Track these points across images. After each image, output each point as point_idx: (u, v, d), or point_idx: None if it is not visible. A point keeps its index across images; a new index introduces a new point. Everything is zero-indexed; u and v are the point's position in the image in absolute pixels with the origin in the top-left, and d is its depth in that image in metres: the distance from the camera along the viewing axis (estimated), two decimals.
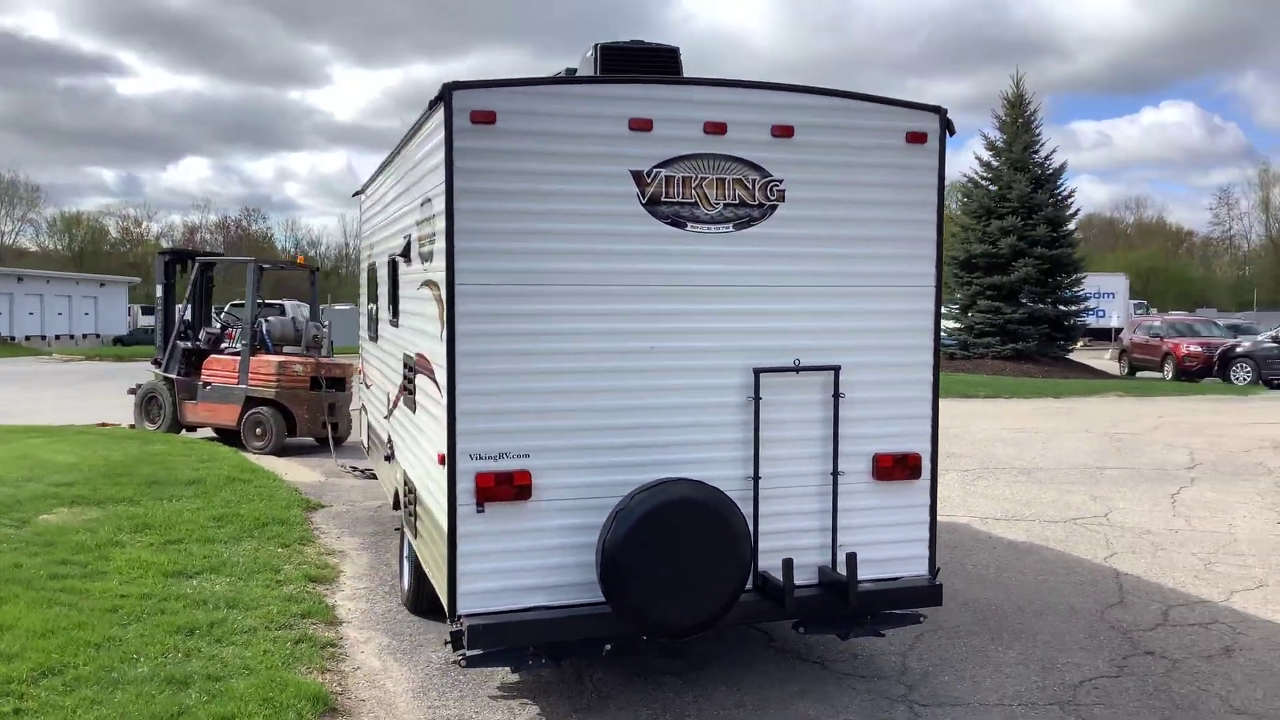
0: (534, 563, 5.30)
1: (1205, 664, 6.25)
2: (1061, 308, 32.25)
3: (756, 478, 5.56)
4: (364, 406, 10.39)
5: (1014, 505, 10.98)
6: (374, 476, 12.41)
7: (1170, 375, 29.63)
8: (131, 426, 16.19)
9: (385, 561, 8.67)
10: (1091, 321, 39.97)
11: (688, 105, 5.40)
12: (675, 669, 6.10)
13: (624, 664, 6.07)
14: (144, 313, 63.45)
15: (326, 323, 16.33)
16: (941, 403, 5.98)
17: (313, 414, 14.58)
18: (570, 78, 5.54)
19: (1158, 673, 6.10)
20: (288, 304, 34.67)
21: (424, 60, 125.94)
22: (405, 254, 6.54)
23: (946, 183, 5.91)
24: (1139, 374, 31.34)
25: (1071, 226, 33.81)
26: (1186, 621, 7.06)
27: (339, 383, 14.97)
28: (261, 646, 6.33)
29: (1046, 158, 32.88)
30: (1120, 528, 9.94)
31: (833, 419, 5.68)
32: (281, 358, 14.75)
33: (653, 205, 5.37)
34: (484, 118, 5.10)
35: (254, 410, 14.57)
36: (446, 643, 5.68)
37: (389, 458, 7.93)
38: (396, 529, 8.46)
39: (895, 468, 5.81)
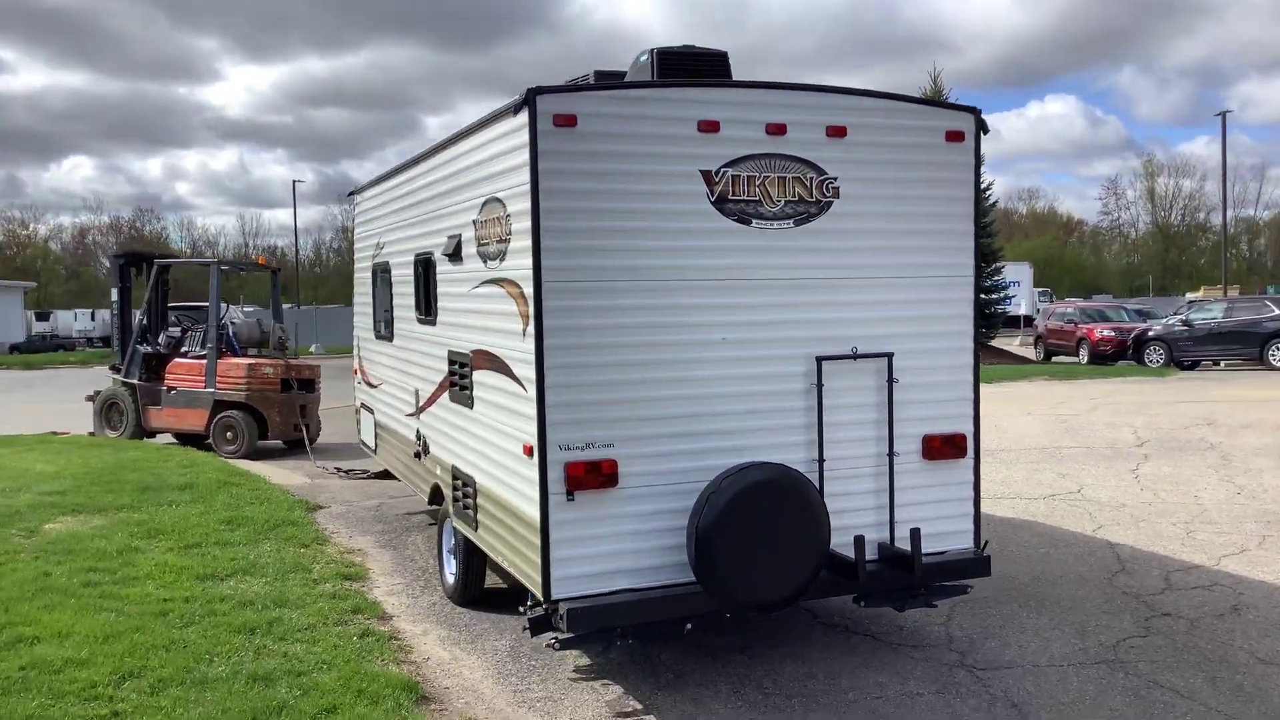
0: (620, 547, 5.54)
1: (1220, 622, 6.74)
2: (983, 296, 33.27)
3: (821, 460, 5.87)
4: (363, 406, 10.45)
5: (990, 484, 11.48)
6: (363, 476, 12.49)
7: (1085, 359, 30.82)
8: (91, 434, 15.90)
9: (408, 558, 8.79)
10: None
11: (751, 107, 5.68)
12: (735, 646, 6.39)
13: (688, 646, 6.32)
14: (38, 319, 61.55)
15: (290, 323, 16.20)
16: None
17: (284, 416, 14.53)
18: (646, 82, 5.77)
19: (1181, 631, 6.57)
20: (234, 308, 34.07)
21: (316, 55, 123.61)
22: (454, 254, 6.69)
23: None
24: (1054, 358, 32.52)
25: (989, 218, 34.93)
26: (1188, 585, 7.58)
27: (308, 384, 14.94)
28: (329, 642, 6.45)
29: None
30: (1096, 502, 10.51)
31: (887, 403, 6.02)
32: (251, 360, 14.68)
33: (720, 203, 5.64)
34: (566, 121, 5.32)
35: (224, 414, 14.46)
36: (525, 629, 5.88)
37: (419, 454, 8.06)
38: (431, 523, 8.59)
39: (943, 447, 6.18)
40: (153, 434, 15.53)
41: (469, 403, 6.63)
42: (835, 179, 5.85)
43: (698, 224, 5.62)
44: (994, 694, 5.63)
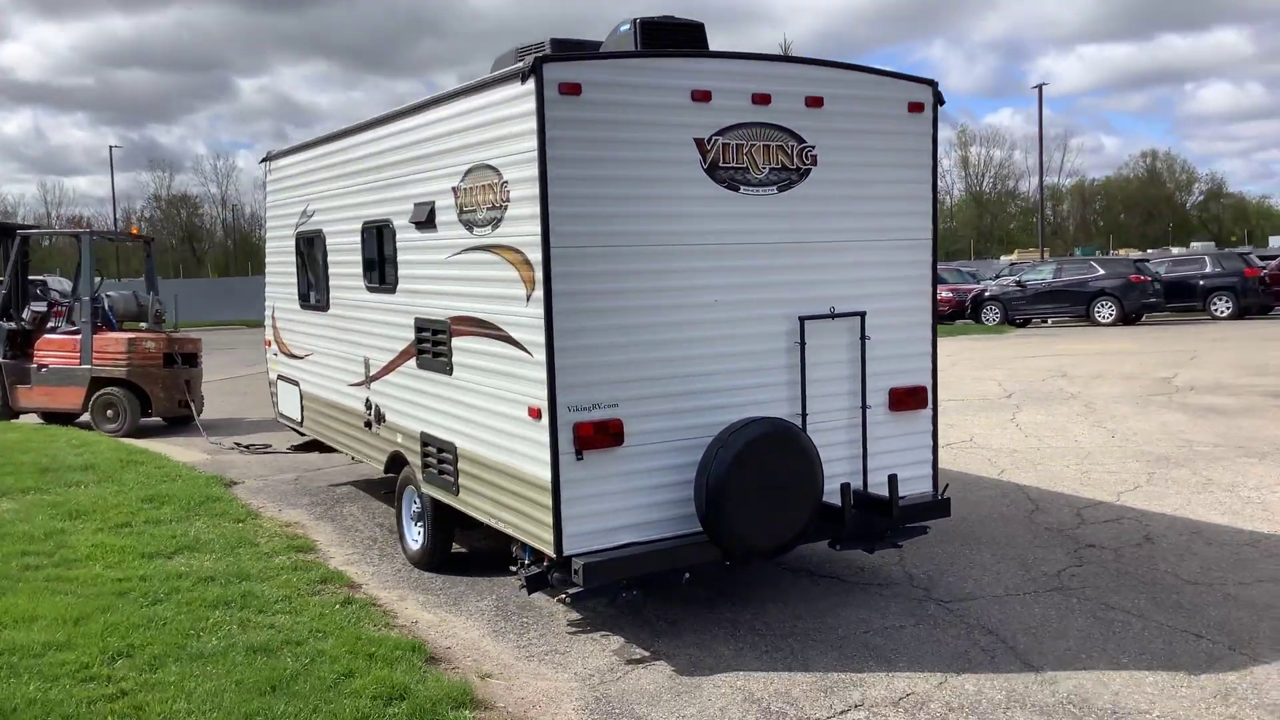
0: (625, 503, 5.74)
1: (1139, 550, 7.42)
2: None
3: (804, 414, 6.20)
4: (281, 379, 10.25)
5: None
6: (266, 451, 12.24)
7: None
8: None
9: (350, 528, 8.75)
10: None
11: (739, 78, 5.91)
12: (716, 595, 6.68)
13: (671, 597, 6.57)
14: None
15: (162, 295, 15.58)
16: None
17: (168, 392, 14.03)
18: (646, 51, 5.92)
19: (1109, 560, 7.21)
20: (50, 279, 32.13)
21: (118, 12, 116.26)
22: (426, 221, 6.70)
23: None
24: None
25: None
26: (1099, 519, 8.27)
27: (191, 358, 14.44)
28: (312, 612, 6.44)
29: None
30: (990, 449, 11.25)
31: (860, 359, 6.39)
32: (131, 334, 14.08)
33: (712, 170, 5.86)
34: (571, 89, 5.43)
35: (103, 391, 13.85)
36: (521, 586, 6.06)
37: (369, 424, 8.03)
38: (362, 493, 8.57)
39: (906, 399, 6.60)
40: (18, 414, 14.74)
41: (446, 369, 6.67)
42: (813, 147, 6.15)
43: (691, 190, 5.83)
44: (969, 623, 6.10)
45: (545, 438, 5.58)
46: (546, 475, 5.59)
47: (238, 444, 12.71)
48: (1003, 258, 60.73)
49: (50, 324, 14.77)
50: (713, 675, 5.50)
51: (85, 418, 14.42)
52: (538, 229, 5.47)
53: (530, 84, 5.40)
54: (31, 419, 14.97)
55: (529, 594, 6.22)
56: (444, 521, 7.23)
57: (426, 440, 7.06)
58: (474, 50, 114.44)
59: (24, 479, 10.09)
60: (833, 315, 6.28)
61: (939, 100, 6.60)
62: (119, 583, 7.03)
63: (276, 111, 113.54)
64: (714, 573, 6.74)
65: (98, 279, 14.33)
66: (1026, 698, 5.11)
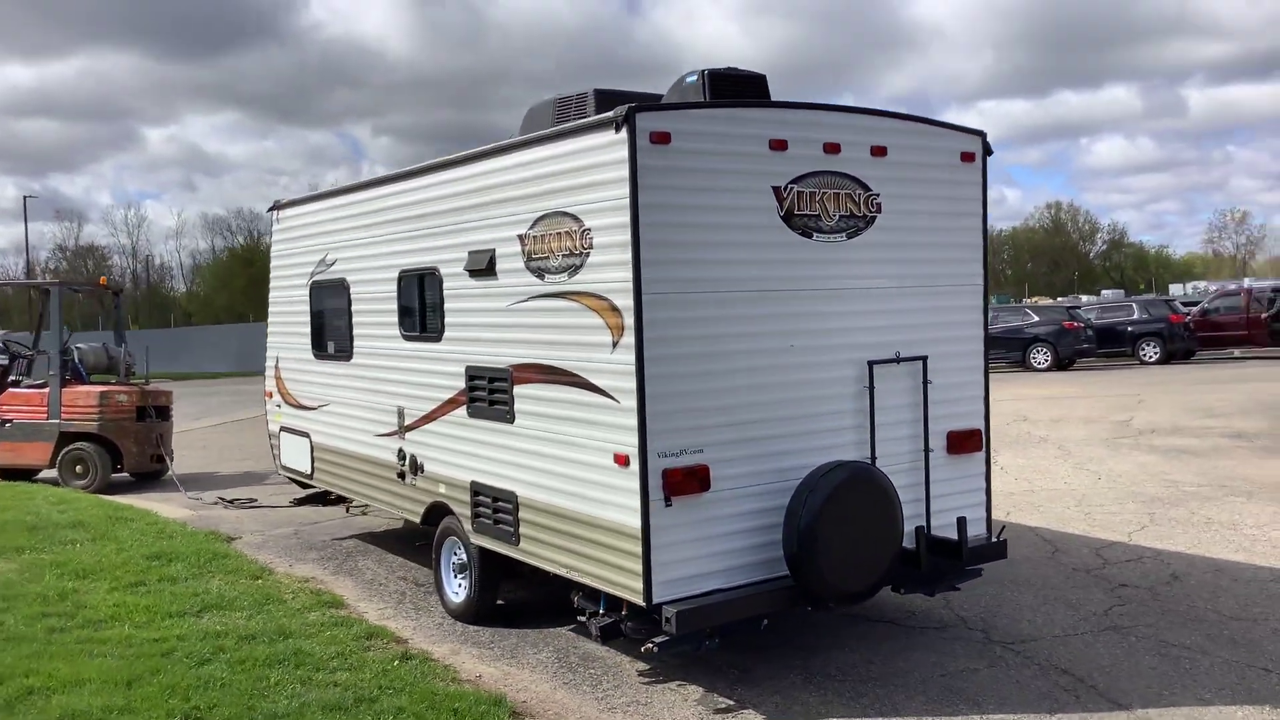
0: (709, 549, 5.72)
1: (1171, 588, 7.59)
2: None
3: (874, 458, 6.26)
4: (285, 430, 10.02)
5: None
6: (251, 505, 11.94)
7: None
8: None
9: (371, 582, 8.55)
10: None
11: (812, 127, 6.02)
12: (774, 643, 6.66)
13: (736, 646, 6.52)
14: None
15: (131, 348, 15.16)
16: None
17: (141, 447, 13.61)
18: (729, 101, 5.98)
19: (1146, 598, 7.36)
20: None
21: (19, 61, 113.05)
22: (486, 269, 6.65)
23: None
24: None
25: None
26: (1120, 559, 8.45)
27: (164, 411, 14.05)
28: (374, 668, 6.28)
29: None
30: None
31: (923, 402, 6.49)
32: (103, 388, 13.65)
33: (788, 218, 5.94)
34: (661, 138, 5.48)
35: (73, 447, 13.39)
36: (596, 637, 5.99)
37: (403, 475, 7.89)
38: (419, 544, 8.40)
39: (964, 442, 6.70)
40: None
41: (505, 417, 6.61)
42: (878, 195, 6.27)
43: (769, 237, 5.89)
44: (1040, 664, 6.17)
45: (634, 484, 5.55)
46: (636, 523, 5.55)
47: (221, 499, 12.37)
48: None
49: (11, 378, 14.26)
50: None
51: (49, 474, 13.91)
52: (627, 275, 5.48)
53: (623, 133, 5.43)
54: None
55: (602, 643, 6.14)
56: (492, 573, 7.12)
57: (478, 490, 6.96)
58: (388, 102, 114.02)
59: (14, 537, 9.70)
60: (898, 360, 6.37)
61: (987, 151, 6.78)
62: (156, 643, 6.79)
63: (186, 161, 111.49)
64: (772, 623, 6.73)
65: (66, 331, 13.88)
66: None
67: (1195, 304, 35.12)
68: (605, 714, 5.73)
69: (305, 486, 10.27)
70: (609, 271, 5.63)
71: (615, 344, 5.63)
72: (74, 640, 6.85)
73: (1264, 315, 30.69)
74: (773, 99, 6.35)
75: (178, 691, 5.90)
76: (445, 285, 7.21)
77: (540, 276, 6.21)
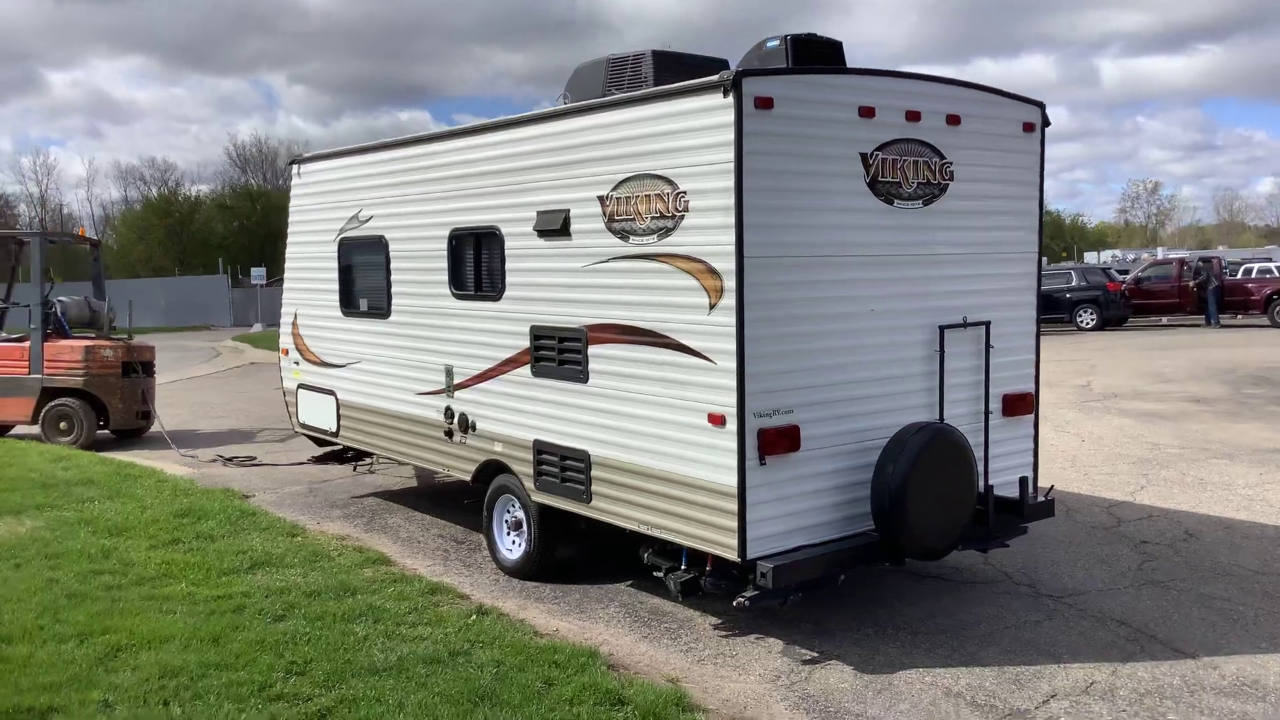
0: (797, 506, 5.90)
1: (1189, 545, 7.98)
2: None
3: (942, 419, 6.47)
4: (304, 387, 9.94)
5: None
6: (251, 463, 11.85)
7: None
8: None
9: (408, 539, 8.60)
10: None
11: (896, 95, 6.16)
12: (834, 598, 6.88)
13: (804, 601, 6.73)
14: None
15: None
16: None
17: (127, 404, 13.37)
18: (826, 68, 6.09)
19: (1170, 554, 7.73)
20: None
21: None
22: (560, 229, 6.69)
23: None
24: None
25: None
26: (1132, 518, 8.84)
27: (148, 367, 13.79)
28: (454, 624, 6.36)
29: None
30: None
31: (984, 366, 6.72)
32: (89, 342, 13.35)
33: (873, 184, 6.09)
34: (764, 103, 5.58)
35: (57, 403, 13.09)
36: (675, 592, 6.17)
37: (450, 433, 7.93)
38: (466, 502, 8.45)
39: (1018, 404, 6.96)
40: None
41: (578, 377, 6.69)
42: (952, 163, 6.44)
43: (856, 203, 6.04)
44: (1095, 616, 6.48)
45: (729, 444, 5.69)
46: (731, 481, 5.69)
47: (220, 456, 12.24)
48: None
49: None
50: (896, 673, 5.70)
51: (23, 429, 13.60)
52: (728, 239, 5.58)
53: (730, 97, 5.51)
54: None
55: (681, 599, 6.29)
56: (553, 530, 7.22)
57: (542, 448, 7.04)
58: (303, 50, 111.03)
59: (30, 495, 9.54)
60: (965, 324, 6.58)
61: (1045, 122, 6.99)
62: (221, 600, 6.78)
63: (92, 107, 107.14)
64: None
65: (48, 284, 13.51)
66: (1202, 682, 5.50)
67: (1125, 272, 36.22)
68: (696, 665, 5.90)
69: (323, 444, 10.23)
70: (707, 234, 5.73)
71: (713, 306, 5.73)
72: (137, 598, 6.81)
73: (1193, 285, 31.81)
74: (849, 66, 6.47)
75: (267, 646, 5.93)
76: (507, 245, 7.23)
77: (624, 238, 6.28)
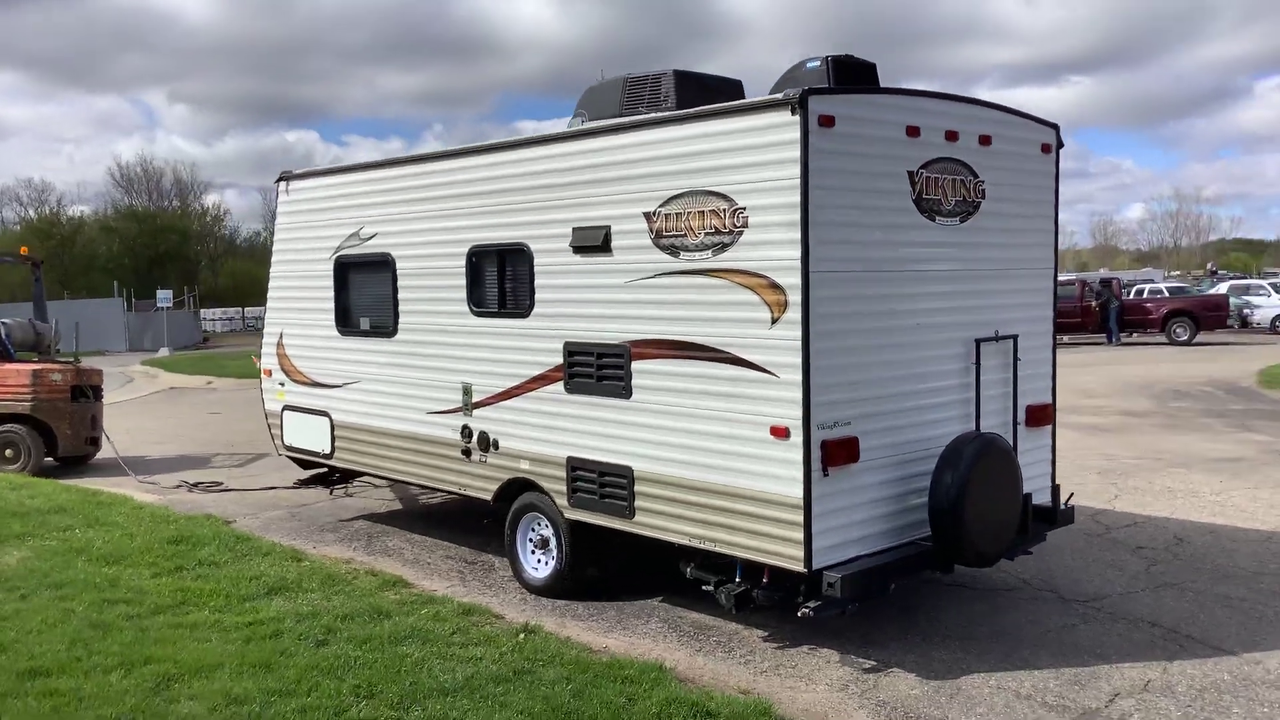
0: (855, 517, 6.00)
1: (1184, 548, 8.31)
2: None
3: (978, 431, 6.65)
4: (290, 409, 9.71)
5: None
6: (218, 489, 11.53)
7: None
8: None
9: (415, 561, 8.47)
10: None
11: (938, 115, 6.34)
12: (868, 609, 6.99)
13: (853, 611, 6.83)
14: None
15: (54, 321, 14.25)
16: None
17: (76, 429, 12.86)
18: (881, 88, 6.23)
19: (1170, 559, 8.05)
20: None
21: None
22: (601, 245, 6.70)
23: None
24: None
25: None
26: (1120, 525, 9.17)
27: (97, 391, 13.29)
28: (504, 644, 6.28)
29: None
30: None
31: (1013, 378, 6.93)
32: (36, 366, 12.80)
33: (918, 200, 6.26)
34: (827, 121, 5.70)
35: (3, 429, 12.52)
36: (729, 605, 6.22)
37: (467, 452, 7.85)
38: (486, 521, 8.32)
39: (1039, 415, 7.19)
40: None
41: (620, 392, 6.69)
42: (984, 182, 6.65)
43: (902, 219, 6.20)
44: (1127, 619, 6.71)
45: (794, 455, 5.77)
46: (796, 492, 5.77)
47: (185, 482, 11.84)
48: None
49: None
50: (959, 679, 5.83)
51: None
52: (792, 254, 5.68)
53: (797, 115, 5.61)
54: None
55: (735, 611, 6.33)
56: (586, 547, 7.19)
57: (577, 465, 7.02)
58: (184, 68, 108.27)
59: (4, 524, 9.11)
60: (997, 338, 6.78)
61: (1059, 143, 7.27)
62: (252, 626, 6.59)
63: None
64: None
65: None
66: (1250, 677, 5.74)
67: None
68: (761, 677, 5.94)
69: (308, 467, 10.00)
70: (769, 250, 5.81)
71: (775, 320, 5.81)
72: (163, 626, 6.57)
73: (1095, 305, 33.10)
74: (929, 91, 6.59)
75: (323, 671, 5.79)
76: (536, 261, 7.21)
77: (673, 254, 6.32)
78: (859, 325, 5.99)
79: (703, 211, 6.15)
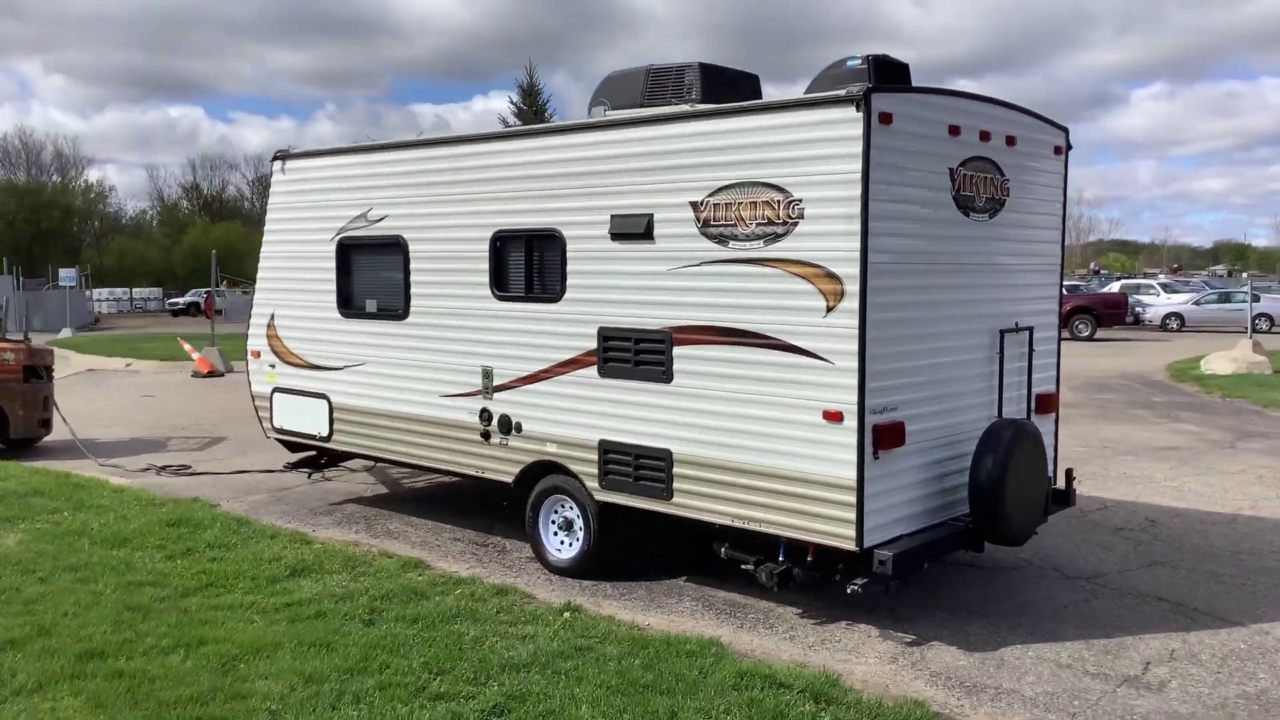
0: (900, 498, 6.28)
1: (1159, 529, 8.82)
2: None
3: (1000, 417, 6.98)
4: (281, 390, 9.59)
5: None
6: (187, 473, 11.32)
7: None
8: None
9: (424, 543, 8.49)
10: None
11: (974, 116, 6.63)
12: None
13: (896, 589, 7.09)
14: None
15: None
16: None
17: (29, 410, 12.45)
18: (932, 88, 6.45)
19: (1149, 540, 8.53)
20: None
21: None
22: (644, 232, 6.83)
23: None
24: None
25: None
26: (1093, 509, 9.65)
27: (49, 371, 12.88)
28: (553, 623, 6.40)
29: None
30: None
31: (1028, 367, 7.28)
32: None
33: (956, 196, 6.54)
34: (886, 118, 5.94)
35: None
36: (771, 584, 6.46)
37: (487, 435, 7.90)
38: (505, 503, 8.35)
39: (1047, 403, 7.56)
40: None
41: (660, 377, 6.83)
42: (1009, 180, 6.98)
43: (943, 214, 6.48)
44: (1133, 594, 7.12)
45: (848, 439, 6.00)
46: (849, 474, 6.00)
47: (153, 465, 11.58)
48: None
49: None
50: (999, 650, 6.14)
51: None
52: (851, 245, 5.91)
53: (860, 111, 5.83)
54: None
55: (776, 590, 6.54)
56: (614, 528, 7.33)
57: (610, 448, 7.14)
58: (64, 37, 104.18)
59: None
60: (1017, 329, 7.12)
61: (1069, 146, 7.64)
62: (292, 608, 6.60)
63: None
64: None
65: None
66: (1263, 646, 6.18)
67: None
68: (810, 652, 6.16)
69: (297, 449, 9.90)
70: (825, 241, 6.02)
71: (830, 309, 6.03)
72: (202, 609, 6.51)
73: None
74: (979, 93, 6.87)
75: (385, 649, 5.83)
76: (569, 247, 7.30)
77: (722, 243, 6.49)
78: (906, 315, 6.25)
79: (755, 202, 6.33)
